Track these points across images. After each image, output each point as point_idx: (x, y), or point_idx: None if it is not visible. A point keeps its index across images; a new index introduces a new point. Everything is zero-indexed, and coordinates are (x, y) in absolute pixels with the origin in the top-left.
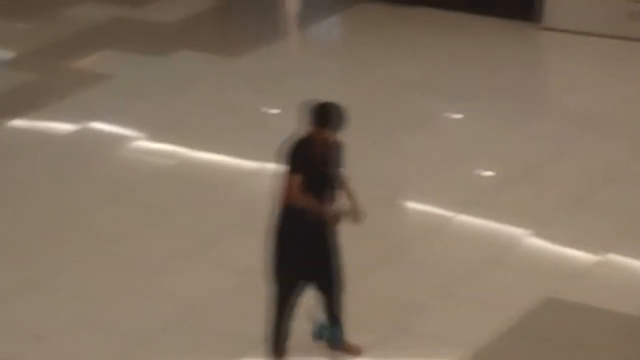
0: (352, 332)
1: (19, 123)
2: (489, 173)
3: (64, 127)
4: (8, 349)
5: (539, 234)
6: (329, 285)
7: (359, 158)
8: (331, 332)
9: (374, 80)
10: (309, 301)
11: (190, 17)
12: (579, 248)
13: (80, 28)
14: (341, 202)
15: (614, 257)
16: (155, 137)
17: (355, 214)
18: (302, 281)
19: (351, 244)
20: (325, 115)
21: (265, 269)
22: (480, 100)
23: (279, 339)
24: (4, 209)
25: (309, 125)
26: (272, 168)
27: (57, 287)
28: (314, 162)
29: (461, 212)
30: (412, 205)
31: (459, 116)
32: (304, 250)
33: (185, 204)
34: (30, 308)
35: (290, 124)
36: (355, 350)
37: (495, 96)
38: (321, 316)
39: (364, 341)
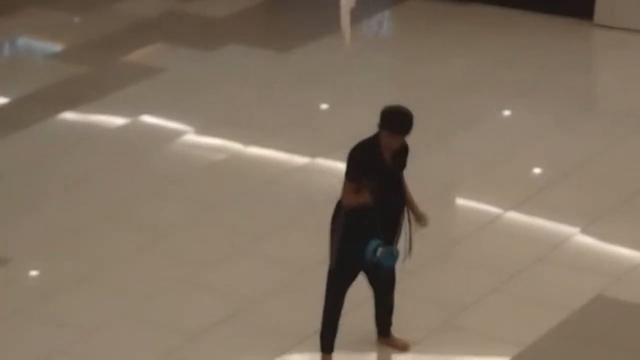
0: (401, 328)
1: (70, 116)
2: (538, 170)
3: (115, 120)
4: (58, 342)
5: (588, 231)
6: (385, 279)
7: (411, 156)
8: (387, 250)
9: (425, 76)
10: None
11: (242, 11)
12: (628, 246)
13: (132, 21)
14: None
15: None
16: (205, 131)
17: (419, 219)
18: (359, 273)
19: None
20: (400, 122)
21: (323, 261)
22: (531, 98)
23: (332, 334)
24: (55, 202)
25: (381, 128)
26: (322, 163)
27: (107, 281)
28: (381, 167)
29: (511, 209)
30: (462, 202)
31: (509, 113)
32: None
33: (236, 199)
34: (81, 302)
35: (340, 119)
36: (402, 346)
37: (545, 93)
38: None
39: (413, 337)
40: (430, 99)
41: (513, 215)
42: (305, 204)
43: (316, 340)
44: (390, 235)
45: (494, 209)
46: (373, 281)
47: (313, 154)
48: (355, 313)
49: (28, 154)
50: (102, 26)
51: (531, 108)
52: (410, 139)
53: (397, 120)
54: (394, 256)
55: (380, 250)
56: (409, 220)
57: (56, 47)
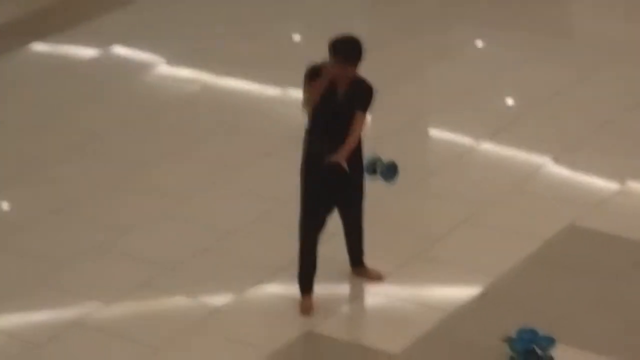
0: (374, 259)
1: (40, 47)
2: (511, 101)
3: (85, 51)
4: (32, 274)
5: (561, 161)
6: (351, 204)
7: (381, 88)
8: (385, 166)
9: (398, 7)
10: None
11: None
12: (601, 176)
13: None
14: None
15: (637, 185)
16: (177, 62)
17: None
18: (329, 204)
19: None
20: (348, 51)
21: (294, 195)
22: (504, 29)
23: (309, 275)
24: (25, 133)
25: (331, 59)
26: (295, 94)
27: (79, 213)
28: (334, 96)
29: (484, 140)
30: (435, 133)
31: (482, 44)
32: (329, 171)
33: (209, 131)
34: (53, 233)
35: (313, 51)
36: (376, 276)
37: (519, 24)
38: (374, 154)
39: (385, 268)
40: (403, 29)
41: (486, 146)
42: (279, 136)
43: (291, 272)
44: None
45: (467, 140)
46: (342, 212)
47: (286, 84)
48: (329, 244)
49: None
50: None
51: (504, 39)
52: (384, 71)
53: (345, 49)
54: (394, 171)
55: (379, 164)
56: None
57: None
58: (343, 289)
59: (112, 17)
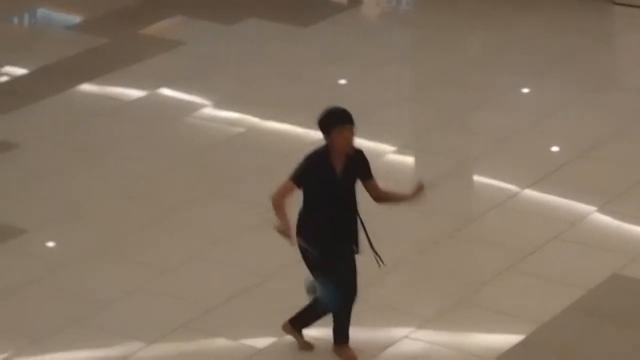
0: (418, 304)
1: (88, 87)
2: (556, 148)
3: (133, 92)
4: (73, 313)
5: (605, 210)
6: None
7: (426, 134)
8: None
9: (443, 52)
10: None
11: None
12: None
13: None
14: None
15: None
16: (224, 104)
17: (414, 196)
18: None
19: (418, 217)
20: (339, 115)
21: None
22: (549, 75)
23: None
24: (73, 173)
25: (327, 133)
26: None
27: (122, 254)
28: (331, 178)
29: (528, 187)
30: (479, 179)
31: (527, 90)
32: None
33: (254, 172)
34: (95, 274)
35: (358, 94)
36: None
37: (564, 71)
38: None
39: (428, 313)
40: (448, 75)
41: (530, 193)
42: None
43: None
44: (351, 240)
45: (511, 187)
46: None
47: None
48: (365, 292)
49: (46, 125)
50: None
51: (549, 86)
52: (429, 116)
53: (337, 115)
54: (329, 303)
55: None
56: (365, 230)
57: (75, 18)
58: (383, 333)
59: (160, 59)
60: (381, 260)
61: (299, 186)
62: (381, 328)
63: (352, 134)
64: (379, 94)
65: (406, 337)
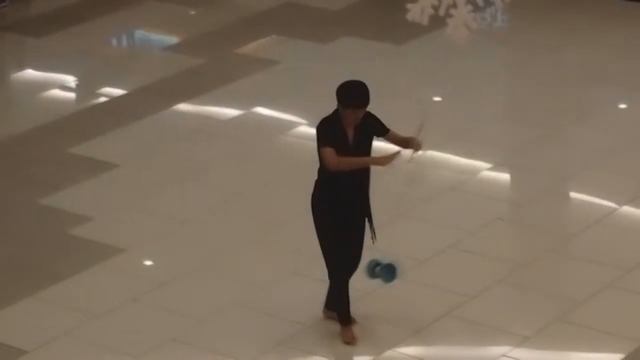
0: (516, 322)
1: (185, 107)
2: None
3: (229, 111)
4: (172, 330)
5: None
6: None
7: (523, 149)
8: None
9: (539, 68)
10: None
11: (356, 4)
12: None
13: (248, 13)
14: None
15: None
16: (317, 123)
17: (416, 144)
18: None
19: (516, 234)
20: (358, 95)
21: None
22: None
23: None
24: (169, 192)
25: (340, 105)
26: (434, 155)
27: (220, 271)
28: (345, 143)
29: (626, 204)
30: (577, 196)
31: (624, 105)
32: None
33: None
34: (194, 291)
35: (453, 111)
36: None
37: None
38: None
39: (526, 332)
40: (544, 90)
41: (629, 210)
42: (416, 197)
43: (318, 328)
44: (363, 211)
45: (609, 203)
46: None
47: (425, 146)
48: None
49: (144, 144)
50: (218, 18)
51: None
52: (527, 131)
53: (353, 95)
54: (393, 273)
55: (378, 268)
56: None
57: (172, 39)
58: (481, 352)
59: (255, 78)
60: (375, 236)
61: (329, 147)
62: (479, 346)
63: (362, 113)
64: (473, 111)
65: (504, 355)
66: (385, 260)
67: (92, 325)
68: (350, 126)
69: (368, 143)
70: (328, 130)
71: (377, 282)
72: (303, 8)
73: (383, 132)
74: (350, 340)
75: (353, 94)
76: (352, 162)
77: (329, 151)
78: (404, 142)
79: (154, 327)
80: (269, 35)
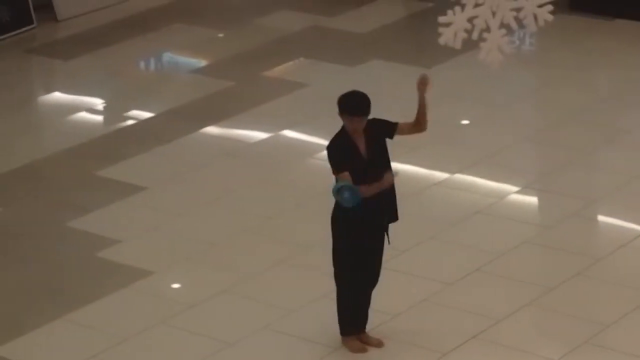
0: (544, 345)
1: (213, 130)
2: None
3: (257, 134)
4: (201, 353)
5: None
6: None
7: (550, 172)
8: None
9: (568, 92)
10: None
11: (385, 27)
12: None
13: (276, 36)
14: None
15: None
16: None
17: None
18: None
19: (545, 257)
20: (355, 103)
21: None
22: None
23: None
24: (197, 215)
25: (341, 116)
26: (462, 178)
27: (249, 293)
28: (358, 156)
29: None
30: (605, 219)
31: None
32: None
33: None
34: (222, 314)
35: (481, 135)
36: (377, 343)
37: None
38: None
39: (555, 355)
40: (573, 114)
41: None
42: (445, 220)
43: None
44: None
45: (636, 227)
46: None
47: (453, 169)
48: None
49: (172, 167)
50: (246, 41)
51: None
52: (558, 154)
53: (351, 103)
54: (353, 197)
55: (344, 190)
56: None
57: (200, 62)
58: None
59: (283, 100)
60: (389, 240)
61: (344, 171)
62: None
63: (361, 124)
64: (502, 133)
65: None
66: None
67: (120, 348)
68: (359, 138)
69: (382, 150)
70: (339, 150)
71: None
72: (331, 31)
73: (392, 129)
74: (359, 349)
75: (350, 102)
76: (370, 190)
77: (344, 176)
78: (416, 124)
79: (182, 350)
80: (297, 58)
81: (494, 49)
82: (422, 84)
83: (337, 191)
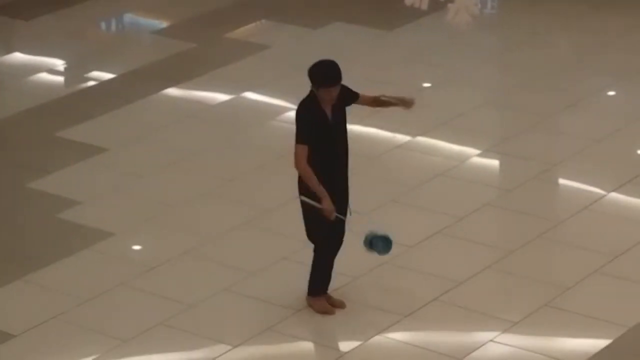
0: (504, 307)
1: (174, 91)
2: None
3: (218, 96)
4: (161, 315)
5: None
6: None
7: (513, 136)
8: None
9: (529, 56)
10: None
11: None
12: None
13: None
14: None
15: None
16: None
17: (404, 102)
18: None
19: (505, 219)
20: (331, 74)
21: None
22: (636, 78)
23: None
24: (158, 177)
25: (315, 87)
26: (423, 141)
27: (209, 255)
28: (325, 122)
29: (614, 190)
30: (565, 183)
31: (613, 93)
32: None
33: None
34: (183, 276)
35: (442, 98)
36: (339, 304)
37: None
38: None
39: (515, 317)
40: (534, 78)
41: (617, 196)
42: (406, 183)
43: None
44: (341, 190)
45: (597, 190)
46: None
47: (414, 132)
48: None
49: (133, 128)
50: (207, 3)
51: (636, 88)
52: (517, 119)
53: (329, 74)
54: (387, 245)
55: (374, 239)
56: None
57: (162, 23)
58: (468, 337)
59: (245, 62)
60: (350, 212)
61: (309, 144)
62: (467, 332)
63: (337, 91)
64: (463, 97)
65: (492, 340)
66: (380, 232)
67: (81, 309)
68: (327, 104)
69: (344, 117)
70: (308, 120)
71: (374, 255)
72: None
73: (354, 98)
74: (326, 310)
75: (326, 73)
76: (312, 182)
77: (302, 150)
78: (375, 102)
79: (143, 311)
80: (259, 19)
81: (462, 10)
82: (405, 105)
83: (370, 245)
